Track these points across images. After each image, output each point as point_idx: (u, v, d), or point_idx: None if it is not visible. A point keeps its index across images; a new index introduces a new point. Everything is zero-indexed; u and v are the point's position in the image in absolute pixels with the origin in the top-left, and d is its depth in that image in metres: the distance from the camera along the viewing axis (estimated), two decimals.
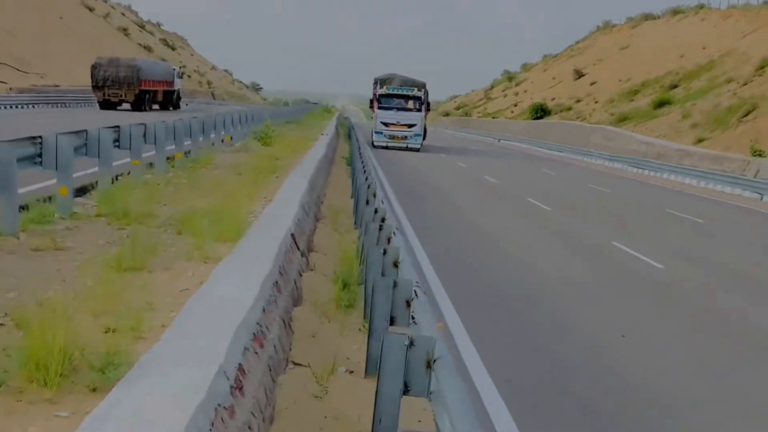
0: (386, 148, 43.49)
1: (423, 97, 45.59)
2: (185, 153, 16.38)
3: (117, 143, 13.04)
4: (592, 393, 7.77)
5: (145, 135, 14.23)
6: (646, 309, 11.59)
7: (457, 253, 15.04)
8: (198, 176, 14.26)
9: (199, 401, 3.66)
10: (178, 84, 54.69)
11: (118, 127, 13.33)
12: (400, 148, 43.76)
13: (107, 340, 5.14)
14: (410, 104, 45.17)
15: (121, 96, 46.07)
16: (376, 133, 44.77)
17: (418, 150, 44.26)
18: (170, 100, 52.85)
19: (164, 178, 13.18)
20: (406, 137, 44.41)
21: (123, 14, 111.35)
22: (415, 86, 46.15)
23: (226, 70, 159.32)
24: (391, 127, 44.29)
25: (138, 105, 46.64)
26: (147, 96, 48.03)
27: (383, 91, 45.25)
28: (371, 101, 47.83)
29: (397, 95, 45.10)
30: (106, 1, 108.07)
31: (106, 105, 46.18)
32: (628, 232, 19.59)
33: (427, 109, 46.72)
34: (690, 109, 53.68)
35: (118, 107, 46.14)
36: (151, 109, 48.14)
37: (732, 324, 11.16)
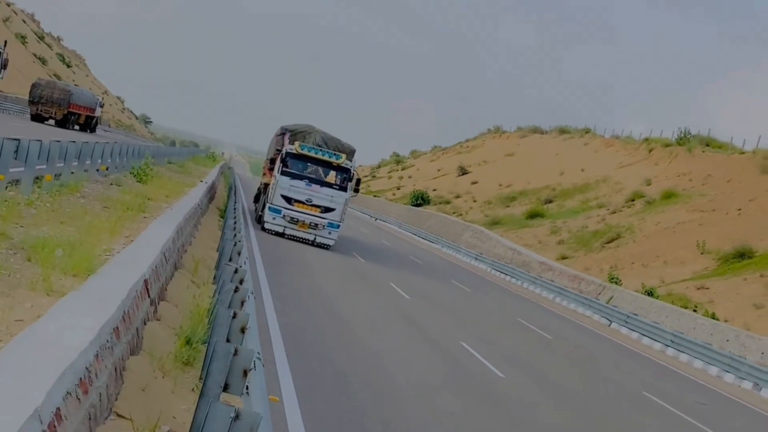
0: (282, 235, 30.27)
1: (351, 171, 31.23)
2: (55, 176, 15.99)
3: None
4: None
5: (17, 151, 13.85)
6: (479, 414, 11.86)
7: (307, 324, 15.09)
8: (63, 202, 13.92)
9: None
10: (98, 112, 62.88)
11: None
12: (302, 240, 30.42)
13: None
14: (332, 177, 31.04)
15: (51, 113, 53.34)
16: (272, 210, 30.24)
17: (328, 248, 30.76)
18: (89, 124, 60.46)
19: (28, 198, 12.81)
20: (316, 225, 30.34)
21: (24, 21, 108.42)
22: (342, 151, 32.05)
23: (118, 97, 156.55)
24: (297, 206, 30.17)
25: (63, 123, 53.71)
26: (72, 117, 55.51)
27: (294, 148, 30.51)
28: (272, 159, 33.34)
29: (315, 159, 30.75)
30: (9, 5, 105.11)
31: (37, 118, 53.22)
32: (479, 335, 20.07)
33: (356, 190, 31.85)
34: (559, 226, 55.82)
35: (46, 122, 53.03)
36: (72, 129, 55.05)
37: None
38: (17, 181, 13.95)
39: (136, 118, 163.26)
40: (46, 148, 15.24)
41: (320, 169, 30.97)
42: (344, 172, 30.95)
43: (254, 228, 28.37)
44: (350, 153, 32.62)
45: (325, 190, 30.40)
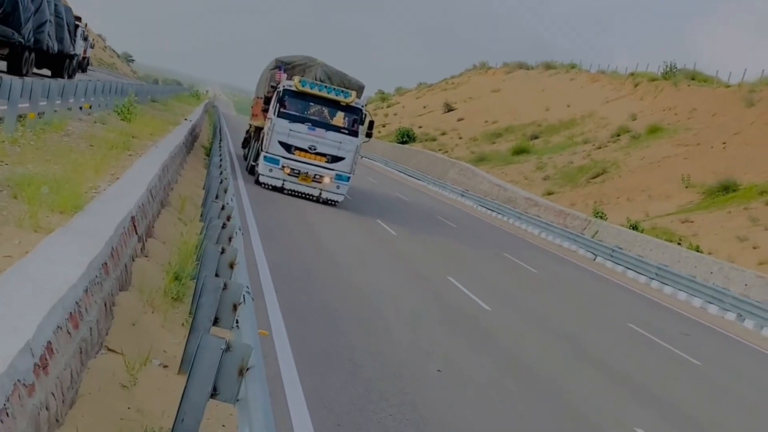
0: (281, 190, 25.62)
1: (363, 111, 26.21)
2: (39, 114, 15.82)
3: None
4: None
5: None
6: (466, 346, 12.00)
7: (295, 260, 15.15)
8: (47, 140, 13.80)
9: None
10: (89, 52, 64.15)
11: None
12: (306, 196, 25.74)
13: None
14: (339, 119, 26.25)
15: None
16: (268, 160, 25.37)
17: (335, 204, 26.04)
18: (81, 65, 61.89)
19: (11, 136, 12.68)
20: (321, 178, 25.51)
21: None
22: (350, 88, 27.28)
23: (99, 35, 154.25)
24: (298, 155, 25.35)
25: None
26: None
27: (293, 84, 25.59)
28: (265, 98, 28.29)
29: (319, 97, 25.73)
30: None
31: None
32: (465, 270, 20.21)
33: (368, 135, 26.58)
34: (545, 162, 55.86)
35: None
36: None
37: (539, 382, 11.70)
38: (0, 119, 13.82)
39: (118, 57, 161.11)
40: (28, 86, 15.07)
41: (325, 110, 26.13)
42: (354, 112, 25.96)
43: (245, 180, 26.31)
44: (359, 90, 27.93)
45: (332, 135, 25.51)
